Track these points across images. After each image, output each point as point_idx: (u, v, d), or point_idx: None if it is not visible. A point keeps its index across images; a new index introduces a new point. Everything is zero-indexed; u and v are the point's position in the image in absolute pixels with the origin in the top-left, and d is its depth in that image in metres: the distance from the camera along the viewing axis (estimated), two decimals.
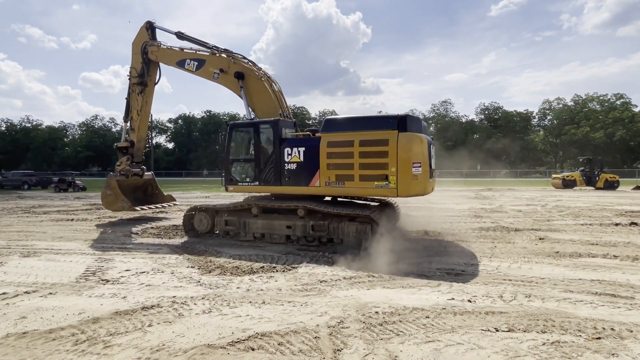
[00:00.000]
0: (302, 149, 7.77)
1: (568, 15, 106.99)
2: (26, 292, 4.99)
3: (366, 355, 3.26)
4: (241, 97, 9.28)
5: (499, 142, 53.95)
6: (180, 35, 10.71)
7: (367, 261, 6.26)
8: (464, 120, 64.37)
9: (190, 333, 3.71)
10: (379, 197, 8.70)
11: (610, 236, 8.68)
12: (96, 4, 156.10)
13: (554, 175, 29.71)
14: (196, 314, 4.21)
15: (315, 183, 7.64)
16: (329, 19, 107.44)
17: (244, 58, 9.63)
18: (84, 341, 3.56)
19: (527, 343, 3.44)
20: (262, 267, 6.20)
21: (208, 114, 71.68)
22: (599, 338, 3.53)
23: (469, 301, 4.52)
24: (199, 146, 68.01)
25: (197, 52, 10.21)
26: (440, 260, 6.56)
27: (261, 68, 9.72)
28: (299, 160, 7.80)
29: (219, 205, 8.76)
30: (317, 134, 7.89)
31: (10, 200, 19.78)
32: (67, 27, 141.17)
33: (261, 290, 5.04)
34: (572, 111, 58.34)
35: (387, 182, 6.97)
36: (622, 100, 56.67)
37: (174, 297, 4.75)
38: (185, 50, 10.43)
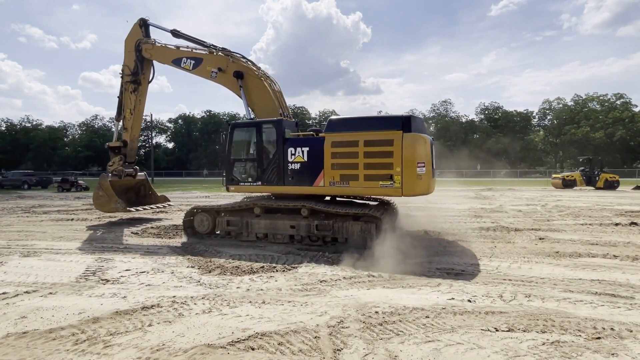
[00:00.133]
0: (306, 149, 7.78)
1: (568, 15, 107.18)
2: (26, 292, 5.00)
3: (366, 355, 3.26)
4: (240, 97, 9.23)
5: (499, 142, 54.02)
6: (175, 33, 10.49)
7: (372, 260, 6.28)
8: (464, 120, 64.30)
9: (190, 333, 3.72)
10: (379, 197, 8.73)
11: (610, 236, 8.69)
12: (96, 4, 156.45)
13: (554, 175, 29.70)
14: (196, 313, 4.21)
15: (320, 183, 7.65)
16: (329, 18, 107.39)
17: (243, 57, 9.58)
18: (84, 341, 3.57)
19: (526, 343, 3.45)
20: (262, 267, 6.21)
21: (208, 113, 71.61)
22: (599, 338, 3.54)
23: (469, 301, 4.53)
24: (199, 146, 67.94)
25: (194, 51, 10.03)
26: (440, 260, 6.57)
27: (260, 68, 9.68)
28: (302, 160, 7.80)
29: (223, 205, 8.61)
30: (320, 134, 7.90)
31: (10, 200, 19.80)
32: (67, 26, 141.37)
33: (261, 290, 5.05)
34: (572, 111, 58.32)
35: (392, 182, 7.01)
36: (622, 100, 56.68)
37: (174, 296, 4.76)
38: (181, 49, 10.22)
